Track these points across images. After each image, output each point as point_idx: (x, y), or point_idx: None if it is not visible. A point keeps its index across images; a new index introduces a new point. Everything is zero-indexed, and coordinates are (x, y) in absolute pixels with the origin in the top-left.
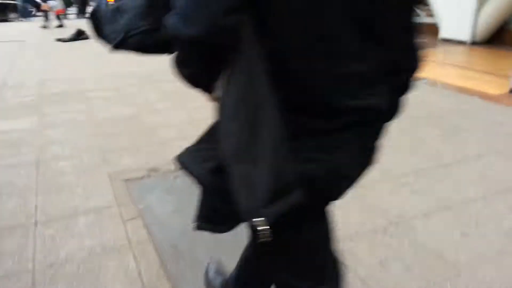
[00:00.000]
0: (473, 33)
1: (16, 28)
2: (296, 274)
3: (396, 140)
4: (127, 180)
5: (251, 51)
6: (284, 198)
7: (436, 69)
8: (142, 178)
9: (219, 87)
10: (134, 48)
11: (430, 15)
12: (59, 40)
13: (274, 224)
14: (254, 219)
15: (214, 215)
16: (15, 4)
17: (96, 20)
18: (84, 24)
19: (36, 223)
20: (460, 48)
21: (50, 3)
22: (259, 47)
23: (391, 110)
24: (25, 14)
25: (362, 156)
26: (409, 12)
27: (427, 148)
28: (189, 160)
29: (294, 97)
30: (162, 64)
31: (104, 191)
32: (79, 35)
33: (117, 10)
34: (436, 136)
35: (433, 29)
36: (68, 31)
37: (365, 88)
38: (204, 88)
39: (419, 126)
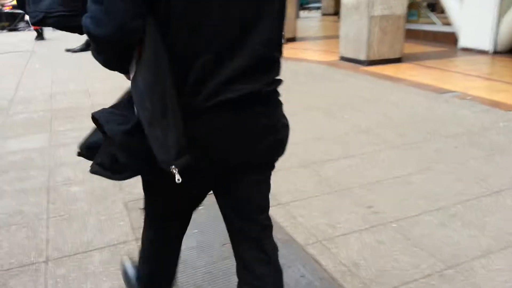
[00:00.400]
0: (495, 42)
1: (25, 38)
2: None
3: (436, 162)
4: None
5: (155, 43)
6: (184, 156)
7: (462, 81)
8: None
9: (132, 69)
10: (53, 26)
11: (448, 23)
12: (68, 50)
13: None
14: (170, 166)
15: (113, 165)
16: (24, 14)
17: None
18: None
19: (47, 261)
20: (482, 58)
21: None
22: (161, 40)
23: (265, 96)
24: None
25: (238, 128)
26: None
27: (471, 172)
28: (105, 120)
29: (181, 80)
30: None
31: (120, 223)
32: (89, 45)
33: None
34: (478, 157)
35: (452, 38)
36: (78, 42)
37: (240, 78)
38: (118, 70)
39: (458, 146)
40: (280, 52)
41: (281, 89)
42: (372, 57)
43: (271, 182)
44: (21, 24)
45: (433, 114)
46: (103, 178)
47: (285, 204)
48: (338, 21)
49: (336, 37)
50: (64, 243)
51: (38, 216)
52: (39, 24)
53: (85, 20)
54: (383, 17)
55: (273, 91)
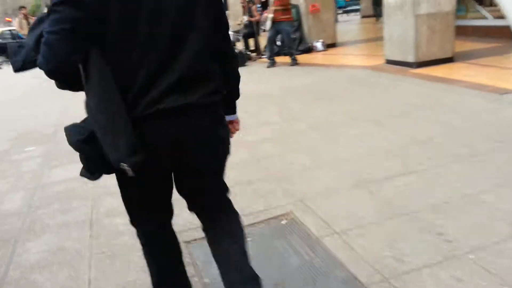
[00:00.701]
0: None
1: None
2: None
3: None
4: (188, 243)
5: (99, 69)
6: (135, 156)
7: None
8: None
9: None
10: (31, 68)
11: (499, 17)
12: None
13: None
14: (122, 164)
15: (89, 168)
16: None
17: (10, 53)
18: None
19: None
20: None
21: None
22: (105, 65)
23: (200, 107)
24: None
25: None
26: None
27: None
28: (68, 133)
29: (124, 94)
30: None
31: None
32: None
33: (20, 46)
34: None
35: (505, 32)
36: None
37: (177, 90)
38: (72, 90)
39: None
40: (213, 68)
41: (325, 98)
42: (421, 58)
43: None
44: None
45: (498, 119)
46: None
47: (341, 233)
48: (377, 23)
49: (378, 39)
50: (107, 284)
51: (81, 253)
52: (20, 70)
53: (38, 59)
54: (430, 15)
55: (210, 102)
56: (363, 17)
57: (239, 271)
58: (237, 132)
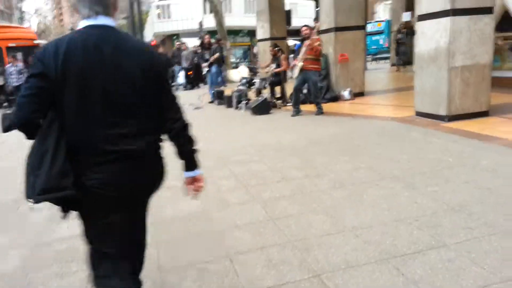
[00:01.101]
0: None
1: None
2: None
3: None
4: None
5: (47, 126)
6: (51, 194)
7: None
8: None
9: None
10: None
11: None
12: None
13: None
14: (29, 200)
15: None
16: None
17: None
18: None
19: None
20: None
21: None
22: (57, 123)
23: (144, 152)
24: None
25: (124, 175)
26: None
27: None
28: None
29: (77, 146)
30: (238, 141)
31: None
32: None
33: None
34: None
35: None
36: None
37: (124, 140)
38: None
39: None
40: (155, 124)
41: (350, 151)
42: (454, 112)
43: None
44: None
45: None
46: (144, 276)
47: None
48: (406, 71)
49: (408, 89)
50: None
51: None
52: (6, 131)
53: (12, 118)
54: (465, 67)
55: (148, 149)
56: (393, 65)
57: None
58: (249, 187)
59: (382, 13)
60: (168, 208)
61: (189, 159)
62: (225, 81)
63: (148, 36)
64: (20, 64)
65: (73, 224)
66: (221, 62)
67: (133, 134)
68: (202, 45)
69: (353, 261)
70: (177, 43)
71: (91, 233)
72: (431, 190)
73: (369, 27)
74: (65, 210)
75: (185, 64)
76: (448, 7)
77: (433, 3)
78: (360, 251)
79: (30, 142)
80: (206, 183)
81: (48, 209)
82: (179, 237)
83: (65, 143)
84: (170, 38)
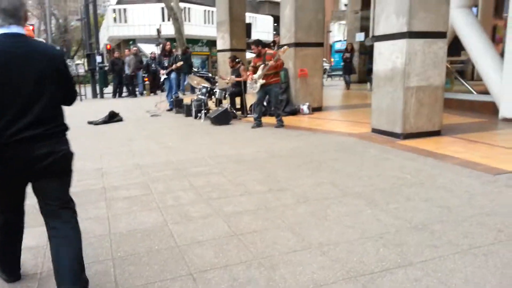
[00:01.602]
0: None
1: None
2: None
3: None
4: None
5: None
6: None
7: None
8: None
9: None
10: None
11: (483, 92)
12: (91, 123)
13: None
14: None
15: None
16: None
17: None
18: (118, 106)
19: None
20: None
21: None
22: None
23: (48, 136)
24: None
25: (29, 154)
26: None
27: None
28: None
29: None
30: (198, 152)
31: None
32: (112, 118)
33: None
34: None
35: (490, 107)
36: (102, 114)
37: (32, 125)
38: None
39: None
40: (56, 112)
41: (312, 166)
42: (409, 130)
43: None
44: None
45: (497, 203)
46: None
47: None
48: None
49: (362, 106)
50: None
51: None
52: None
53: None
54: (419, 88)
55: (53, 132)
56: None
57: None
58: (210, 201)
59: (336, 32)
60: (124, 221)
61: None
62: (184, 89)
63: (103, 39)
64: None
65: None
66: (190, 70)
67: (39, 120)
68: (163, 52)
69: (320, 280)
70: (134, 48)
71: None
72: (393, 208)
73: (338, 45)
74: None
75: (127, 70)
76: (404, 29)
77: (390, 25)
78: (327, 269)
79: None
80: (165, 195)
81: None
82: (137, 253)
83: None
84: (126, 43)
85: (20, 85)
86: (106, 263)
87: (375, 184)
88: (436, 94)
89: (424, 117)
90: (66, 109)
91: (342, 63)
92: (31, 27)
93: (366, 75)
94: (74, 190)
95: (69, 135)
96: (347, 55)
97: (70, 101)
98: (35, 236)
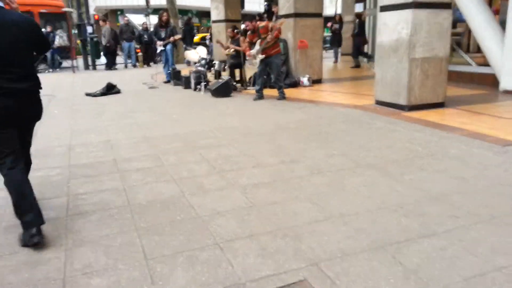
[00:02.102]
0: None
1: (45, 81)
2: None
3: None
4: None
5: None
6: None
7: None
8: None
9: None
10: None
11: (482, 64)
12: (88, 94)
13: None
14: None
15: None
16: (45, 56)
17: None
18: (112, 77)
19: None
20: None
21: None
22: None
23: (29, 90)
24: (54, 66)
25: (15, 104)
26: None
27: None
28: None
29: None
30: (204, 125)
31: None
32: (109, 89)
33: None
34: None
35: (490, 79)
36: (99, 86)
37: (14, 82)
38: None
39: None
40: (32, 70)
41: (320, 138)
42: (414, 102)
43: None
44: (42, 66)
45: (511, 174)
46: (132, 266)
47: None
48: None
49: (362, 78)
50: None
51: None
52: None
53: None
54: (424, 59)
55: (33, 89)
56: (342, 54)
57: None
58: (223, 173)
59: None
60: (141, 192)
61: None
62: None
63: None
64: (48, 28)
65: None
66: (192, 41)
67: (24, 76)
68: (159, 22)
69: (348, 249)
70: (125, 18)
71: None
72: (408, 178)
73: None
74: None
75: (103, 41)
76: None
77: None
78: (352, 239)
79: None
80: (178, 167)
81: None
82: (159, 223)
83: None
84: (114, 13)
85: (6, 45)
86: (130, 233)
87: (387, 156)
88: (441, 65)
89: (429, 89)
90: (62, 81)
91: (329, 35)
92: None
93: (353, 54)
94: (86, 161)
95: (70, 107)
96: (336, 26)
97: (44, 51)
98: (54, 207)
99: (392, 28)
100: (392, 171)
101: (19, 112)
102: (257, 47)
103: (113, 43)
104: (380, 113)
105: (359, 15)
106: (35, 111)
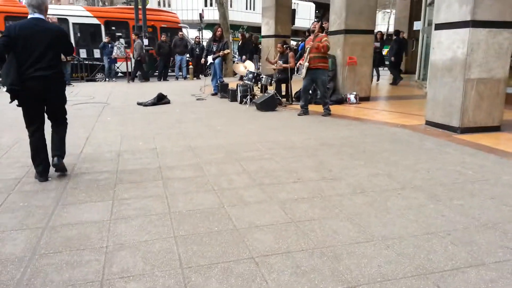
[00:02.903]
0: None
1: (100, 89)
2: None
3: None
4: None
5: (9, 56)
6: (14, 86)
7: None
8: None
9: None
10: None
11: None
12: (140, 104)
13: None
14: (4, 86)
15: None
16: (103, 65)
17: None
18: (164, 88)
19: None
20: None
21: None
22: (13, 56)
23: (52, 76)
24: (111, 75)
25: (41, 85)
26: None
27: None
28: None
29: (21, 67)
30: (247, 137)
31: None
32: (160, 100)
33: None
34: None
35: None
36: (150, 96)
37: (41, 69)
38: (1, 62)
39: None
40: (59, 63)
41: (365, 156)
42: (467, 124)
43: None
44: (99, 75)
45: None
46: (169, 274)
47: None
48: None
49: (411, 97)
50: None
51: None
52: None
53: None
54: (480, 80)
55: (54, 76)
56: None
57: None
58: (263, 186)
59: (380, 20)
60: (182, 200)
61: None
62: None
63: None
64: (106, 39)
65: (83, 208)
66: (252, 55)
67: (49, 67)
68: (213, 36)
69: (389, 274)
70: (180, 33)
71: (27, 111)
72: (457, 204)
73: None
74: (13, 97)
75: (135, 55)
76: (468, 18)
77: (452, 13)
78: (394, 263)
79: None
80: (219, 178)
81: (53, 190)
82: (197, 233)
83: (16, 66)
84: None
85: (39, 45)
86: (169, 240)
87: (435, 178)
88: (498, 87)
89: (484, 111)
90: (116, 91)
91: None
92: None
93: (391, 68)
94: (133, 167)
95: (122, 115)
96: (377, 44)
97: (68, 53)
98: (99, 211)
99: (446, 46)
100: (440, 195)
101: (41, 92)
102: (306, 54)
103: (144, 56)
104: (430, 134)
105: (397, 32)
106: (54, 91)
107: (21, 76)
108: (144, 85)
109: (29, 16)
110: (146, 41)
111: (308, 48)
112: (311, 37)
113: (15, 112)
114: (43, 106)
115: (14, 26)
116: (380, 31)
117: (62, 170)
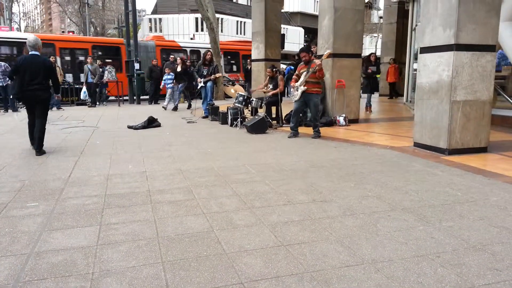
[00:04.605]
0: None
1: (92, 113)
2: None
3: None
4: None
5: (20, 76)
6: (18, 95)
7: None
8: None
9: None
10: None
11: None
12: (130, 127)
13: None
14: (14, 95)
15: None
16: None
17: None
18: (154, 112)
19: None
20: None
21: None
22: (21, 76)
23: (42, 89)
24: (102, 99)
25: (34, 95)
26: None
27: None
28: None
29: (23, 84)
30: (238, 160)
31: None
32: (150, 123)
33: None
34: None
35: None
36: (140, 119)
37: (36, 86)
38: (11, 79)
39: None
40: (46, 82)
41: (354, 178)
42: (454, 146)
43: None
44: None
45: None
46: None
47: None
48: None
49: (400, 119)
50: None
51: None
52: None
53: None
54: (466, 102)
55: (41, 89)
56: (380, 95)
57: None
58: (253, 209)
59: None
60: (171, 225)
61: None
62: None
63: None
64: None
65: (70, 233)
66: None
67: (39, 84)
68: (203, 60)
69: None
70: (171, 56)
71: (26, 109)
72: (446, 225)
73: None
74: (18, 101)
75: (90, 79)
76: (452, 41)
77: (436, 37)
78: (384, 287)
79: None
80: (209, 201)
81: (40, 215)
82: (186, 258)
83: (20, 83)
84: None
85: (34, 70)
86: (156, 266)
87: (424, 200)
88: (484, 109)
89: (471, 133)
90: (107, 114)
91: (363, 77)
92: (70, 34)
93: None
94: (122, 191)
95: (112, 138)
96: (372, 68)
97: (55, 86)
98: (85, 236)
99: (432, 69)
100: (430, 217)
101: (32, 98)
102: (302, 78)
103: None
104: (418, 155)
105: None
106: (40, 98)
107: (22, 88)
108: (135, 109)
109: (30, 53)
110: (137, 65)
111: (304, 73)
112: (302, 65)
113: (2, 138)
114: (35, 107)
115: (20, 58)
116: (374, 54)
117: (39, 151)
